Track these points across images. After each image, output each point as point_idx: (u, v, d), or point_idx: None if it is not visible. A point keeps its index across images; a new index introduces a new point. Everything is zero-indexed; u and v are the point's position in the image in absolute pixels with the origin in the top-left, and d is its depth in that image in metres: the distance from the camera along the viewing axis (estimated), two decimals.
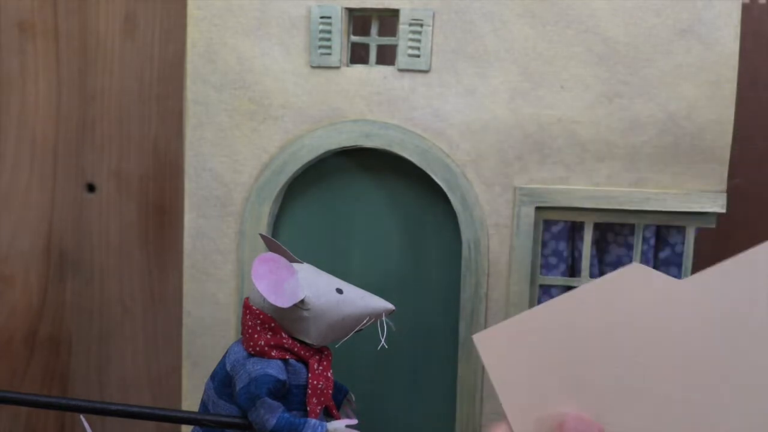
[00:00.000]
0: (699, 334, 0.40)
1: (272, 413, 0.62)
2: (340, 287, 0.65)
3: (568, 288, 0.73)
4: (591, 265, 0.73)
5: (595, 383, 0.41)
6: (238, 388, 0.63)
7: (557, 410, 0.41)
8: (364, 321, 0.65)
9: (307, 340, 0.64)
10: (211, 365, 0.70)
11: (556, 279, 0.74)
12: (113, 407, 0.64)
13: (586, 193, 0.70)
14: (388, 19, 0.73)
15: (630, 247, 0.74)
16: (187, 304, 0.76)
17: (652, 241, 0.73)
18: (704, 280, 0.41)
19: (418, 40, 0.71)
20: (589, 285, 0.42)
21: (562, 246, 0.74)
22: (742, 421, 0.40)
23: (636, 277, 0.41)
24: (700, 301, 0.40)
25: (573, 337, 0.41)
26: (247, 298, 0.66)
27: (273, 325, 0.64)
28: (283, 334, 0.64)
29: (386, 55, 0.74)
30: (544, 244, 0.74)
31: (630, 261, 0.74)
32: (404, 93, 0.72)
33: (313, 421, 0.63)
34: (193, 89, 0.74)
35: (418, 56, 0.71)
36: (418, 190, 0.75)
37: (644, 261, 0.73)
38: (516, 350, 0.42)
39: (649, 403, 0.40)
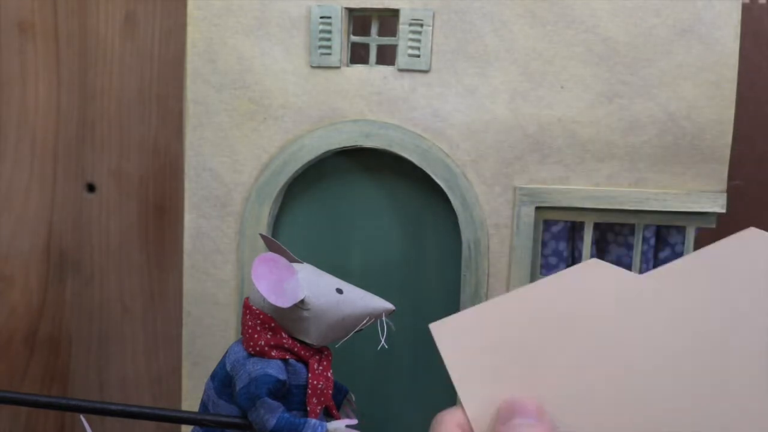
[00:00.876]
0: (659, 330, 0.40)
1: (272, 413, 0.62)
2: (340, 287, 0.65)
3: None
4: None
5: (551, 377, 0.41)
6: (238, 388, 0.63)
7: (502, 392, 0.42)
8: (364, 321, 0.65)
9: (307, 340, 0.64)
10: (211, 365, 0.70)
11: None
12: (113, 407, 0.64)
13: (586, 193, 0.70)
14: (388, 19, 0.73)
15: (630, 247, 0.74)
16: (187, 304, 0.76)
17: (652, 241, 0.73)
18: (665, 276, 0.41)
19: (418, 40, 0.71)
20: (549, 278, 0.42)
21: (562, 246, 0.74)
22: (700, 418, 0.40)
23: (596, 272, 0.41)
24: (661, 296, 0.40)
25: (531, 330, 0.41)
26: (247, 298, 0.66)
27: (273, 325, 0.64)
28: (283, 334, 0.64)
29: (386, 55, 0.74)
30: (544, 244, 0.74)
31: (630, 261, 0.74)
32: (404, 93, 0.72)
33: (313, 421, 0.63)
34: (193, 89, 0.74)
35: (418, 56, 0.71)
36: (418, 190, 0.75)
37: (644, 261, 0.73)
38: (473, 340, 0.42)
39: (605, 400, 0.40)
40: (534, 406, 0.40)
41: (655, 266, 0.74)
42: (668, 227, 0.73)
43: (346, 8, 0.72)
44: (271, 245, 0.67)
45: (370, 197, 0.76)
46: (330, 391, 0.65)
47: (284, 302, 0.62)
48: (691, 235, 0.71)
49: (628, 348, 0.40)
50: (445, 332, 0.43)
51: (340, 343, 0.66)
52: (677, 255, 0.73)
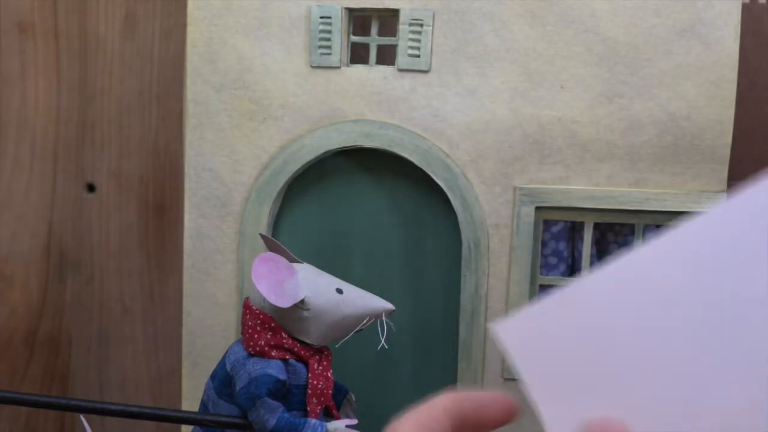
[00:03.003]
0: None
1: (272, 413, 0.62)
2: (340, 287, 0.65)
3: None
4: (591, 265, 0.73)
5: (634, 384, 0.37)
6: (238, 388, 0.63)
7: (590, 409, 0.39)
8: (364, 321, 0.65)
9: (307, 340, 0.64)
10: (211, 365, 0.70)
11: (556, 279, 0.73)
12: (113, 407, 0.64)
13: (586, 193, 0.70)
14: (388, 19, 0.73)
15: (630, 247, 0.74)
16: (187, 304, 0.76)
17: None
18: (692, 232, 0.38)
19: (418, 40, 0.71)
20: (614, 266, 0.39)
21: (562, 246, 0.74)
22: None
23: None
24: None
25: (602, 327, 0.37)
26: (247, 298, 0.66)
27: (273, 325, 0.64)
28: (283, 334, 0.64)
29: (386, 55, 0.74)
30: (544, 244, 0.74)
31: None
32: (404, 93, 0.72)
33: (313, 421, 0.63)
34: (193, 89, 0.74)
35: (418, 56, 0.71)
36: (418, 190, 0.75)
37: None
38: (549, 341, 0.38)
39: (677, 397, 0.38)
40: (620, 429, 0.37)
41: None
42: (668, 227, 0.73)
43: (346, 8, 0.72)
44: (271, 245, 0.67)
45: (370, 197, 0.76)
46: (330, 391, 0.65)
47: (284, 302, 0.62)
48: None
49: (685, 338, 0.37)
50: (514, 333, 0.38)
51: (340, 343, 0.66)
52: None
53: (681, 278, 0.38)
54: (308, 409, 0.64)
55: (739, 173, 0.85)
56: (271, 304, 0.63)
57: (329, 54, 0.72)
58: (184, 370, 0.76)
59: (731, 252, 0.37)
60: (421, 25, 0.71)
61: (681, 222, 0.39)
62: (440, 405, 0.38)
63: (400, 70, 0.72)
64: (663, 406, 0.37)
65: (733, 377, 0.36)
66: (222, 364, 0.66)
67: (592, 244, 0.73)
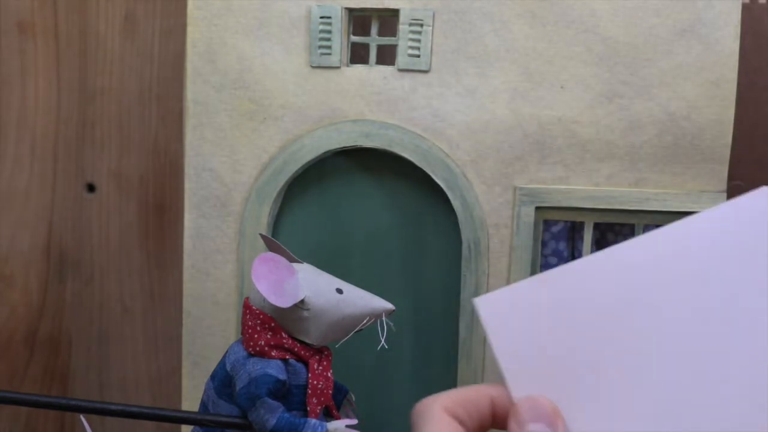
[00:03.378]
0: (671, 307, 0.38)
1: (272, 413, 0.62)
2: (340, 287, 0.65)
3: None
4: None
5: (591, 365, 0.38)
6: (238, 388, 0.63)
7: (547, 388, 0.39)
8: (364, 321, 0.65)
9: (307, 340, 0.64)
10: (211, 365, 0.70)
11: None
12: (113, 407, 0.64)
13: (586, 193, 0.70)
14: (388, 19, 0.73)
15: None
16: (187, 304, 0.76)
17: None
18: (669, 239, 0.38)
19: (418, 40, 0.71)
20: (602, 254, 0.39)
21: (562, 246, 0.74)
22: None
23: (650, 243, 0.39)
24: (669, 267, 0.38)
25: (577, 311, 0.38)
26: (247, 298, 0.66)
27: (273, 325, 0.64)
28: (283, 334, 0.64)
29: (386, 55, 0.74)
30: (544, 244, 0.74)
31: None
32: (404, 93, 0.72)
33: (313, 421, 0.63)
34: (193, 89, 0.74)
35: (418, 56, 0.71)
36: (418, 190, 0.75)
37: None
38: (523, 319, 0.39)
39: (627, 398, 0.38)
40: (548, 410, 0.37)
41: None
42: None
43: (346, 8, 0.72)
44: (271, 245, 0.67)
45: (370, 197, 0.76)
46: (330, 391, 0.65)
47: (284, 302, 0.62)
48: None
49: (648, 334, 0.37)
50: (492, 308, 0.39)
51: (340, 343, 0.66)
52: None
53: (658, 277, 0.38)
54: (308, 409, 0.64)
55: (739, 173, 0.86)
56: (271, 304, 0.63)
57: (329, 54, 0.72)
58: (184, 370, 0.76)
59: (713, 258, 0.38)
60: (421, 25, 0.71)
61: (674, 222, 0.39)
62: (487, 393, 0.38)
63: (400, 70, 0.72)
64: (609, 399, 0.37)
65: (693, 385, 0.37)
66: (222, 364, 0.66)
67: (592, 244, 0.73)
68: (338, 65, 0.72)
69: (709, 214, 0.38)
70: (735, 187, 0.77)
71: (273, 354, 0.63)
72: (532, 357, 0.39)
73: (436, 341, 0.76)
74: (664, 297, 0.38)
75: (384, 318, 0.65)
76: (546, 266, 0.75)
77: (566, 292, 0.39)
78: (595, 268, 0.39)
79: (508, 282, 0.72)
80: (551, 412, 0.37)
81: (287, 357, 0.64)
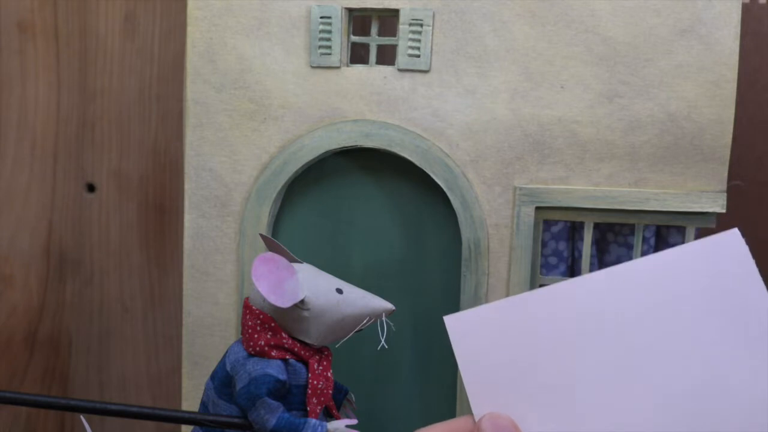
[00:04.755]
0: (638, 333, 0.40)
1: (272, 413, 0.62)
2: (340, 287, 0.65)
3: None
4: (591, 265, 0.73)
5: (546, 385, 0.40)
6: (238, 388, 0.63)
7: (509, 407, 0.41)
8: (364, 321, 0.65)
9: (307, 340, 0.64)
10: (211, 365, 0.70)
11: (556, 279, 0.74)
12: (113, 407, 0.64)
13: (586, 193, 0.70)
14: (388, 19, 0.73)
15: (630, 247, 0.74)
16: (187, 304, 0.76)
17: (652, 241, 0.73)
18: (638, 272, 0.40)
19: (418, 40, 0.71)
20: (567, 283, 0.41)
21: (562, 246, 0.74)
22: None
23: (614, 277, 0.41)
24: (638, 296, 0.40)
25: (537, 335, 0.41)
26: (247, 298, 0.66)
27: (273, 325, 0.64)
28: (283, 334, 0.64)
29: (386, 55, 0.74)
30: (544, 244, 0.74)
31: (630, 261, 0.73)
32: (404, 93, 0.72)
33: (313, 421, 0.63)
34: (193, 89, 0.74)
35: (418, 56, 0.71)
36: (418, 190, 0.75)
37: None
38: (489, 339, 0.41)
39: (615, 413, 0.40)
40: (509, 427, 0.39)
41: None
42: (668, 227, 0.73)
43: (346, 8, 0.72)
44: (271, 245, 0.67)
45: (370, 197, 0.76)
46: (330, 391, 0.65)
47: (284, 302, 0.62)
48: (691, 235, 0.71)
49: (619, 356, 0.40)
50: (461, 327, 0.41)
51: (340, 343, 0.66)
52: None
53: (620, 307, 0.40)
54: (308, 409, 0.64)
55: (739, 173, 0.86)
56: (271, 304, 0.63)
57: (329, 54, 0.72)
58: (184, 370, 0.76)
59: (675, 292, 0.40)
60: (421, 25, 0.71)
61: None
62: (471, 422, 0.41)
63: (400, 70, 0.72)
64: (565, 419, 0.40)
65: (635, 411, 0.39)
66: (222, 364, 0.66)
67: (592, 244, 0.73)
68: (338, 65, 0.72)
69: (678, 250, 0.40)
70: (735, 187, 0.77)
71: (273, 354, 0.63)
72: (495, 375, 0.41)
73: (436, 341, 0.76)
74: (622, 327, 0.40)
75: (384, 318, 0.65)
76: (546, 266, 0.75)
77: (532, 315, 0.41)
78: (561, 295, 0.41)
79: (508, 282, 0.72)
80: (511, 428, 0.39)
81: (287, 357, 0.64)
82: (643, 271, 0.41)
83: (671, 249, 0.41)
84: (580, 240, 0.74)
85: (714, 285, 0.39)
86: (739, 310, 0.39)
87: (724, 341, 0.39)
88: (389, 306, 0.65)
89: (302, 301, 0.63)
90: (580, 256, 0.73)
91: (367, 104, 0.72)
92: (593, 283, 0.41)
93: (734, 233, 0.40)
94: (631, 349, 0.40)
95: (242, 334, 0.65)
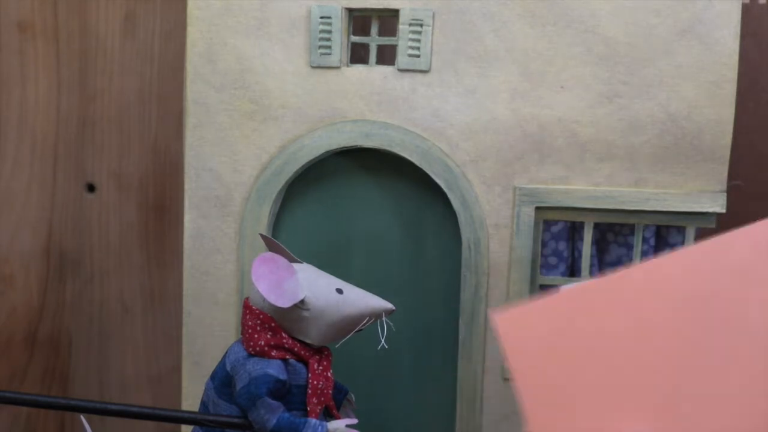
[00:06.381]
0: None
1: (272, 413, 0.62)
2: (340, 287, 0.65)
3: None
4: (591, 265, 0.73)
5: (639, 387, 0.36)
6: (238, 387, 0.63)
7: (595, 423, 0.36)
8: (364, 321, 0.65)
9: (307, 340, 0.64)
10: (211, 365, 0.70)
11: (556, 279, 0.73)
12: (113, 407, 0.64)
13: (586, 193, 0.70)
14: (388, 19, 0.73)
15: (630, 247, 0.74)
16: (187, 304, 0.76)
17: (652, 241, 0.73)
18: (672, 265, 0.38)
19: (418, 40, 0.71)
20: (629, 271, 0.38)
21: (562, 246, 0.74)
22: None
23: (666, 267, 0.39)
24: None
25: (611, 331, 0.37)
26: (247, 298, 0.66)
27: (273, 325, 0.64)
28: (283, 334, 0.64)
29: (386, 55, 0.74)
30: (544, 244, 0.74)
31: (630, 261, 0.74)
32: (404, 93, 0.72)
33: (313, 420, 0.63)
34: (193, 89, 0.74)
35: (418, 56, 0.71)
36: (418, 190, 0.75)
37: (644, 261, 0.73)
38: (542, 337, 0.37)
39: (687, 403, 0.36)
40: None
41: None
42: (668, 227, 0.73)
43: (346, 8, 0.72)
44: (271, 245, 0.67)
45: (370, 197, 0.76)
46: (330, 391, 0.65)
47: (284, 302, 0.62)
48: (691, 235, 0.71)
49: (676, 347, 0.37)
50: (511, 324, 0.37)
51: (340, 343, 0.66)
52: None
53: (680, 299, 0.38)
54: (308, 408, 0.64)
55: (739, 173, 0.86)
56: (271, 304, 0.63)
57: (329, 54, 0.72)
58: (184, 370, 0.76)
59: (719, 281, 0.38)
60: (421, 25, 0.71)
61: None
62: None
63: (400, 70, 0.72)
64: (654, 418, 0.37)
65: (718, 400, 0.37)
66: (222, 364, 0.66)
67: (592, 244, 0.73)
68: (338, 65, 0.72)
69: (714, 241, 0.38)
70: (735, 187, 0.77)
71: (273, 354, 0.63)
72: (551, 377, 0.37)
73: (436, 341, 0.76)
74: (675, 316, 0.38)
75: (384, 318, 0.65)
76: (546, 266, 0.75)
77: (585, 310, 0.37)
78: (623, 284, 0.38)
79: (508, 282, 0.72)
80: None
81: (287, 357, 0.64)
82: (703, 256, 0.39)
83: (707, 241, 0.38)
84: (580, 240, 0.74)
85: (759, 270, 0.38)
86: None
87: None
88: (389, 306, 0.65)
89: (302, 301, 0.63)
90: (580, 256, 0.73)
91: (367, 104, 0.72)
92: (653, 272, 0.38)
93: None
94: (708, 333, 0.37)
95: (242, 334, 0.65)
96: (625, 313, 0.38)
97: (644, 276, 0.39)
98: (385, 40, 0.73)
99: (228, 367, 0.65)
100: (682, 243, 0.72)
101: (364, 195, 0.76)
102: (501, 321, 0.38)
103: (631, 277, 0.38)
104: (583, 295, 0.38)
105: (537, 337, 0.37)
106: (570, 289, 0.38)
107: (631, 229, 0.74)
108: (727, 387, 0.36)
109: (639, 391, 0.37)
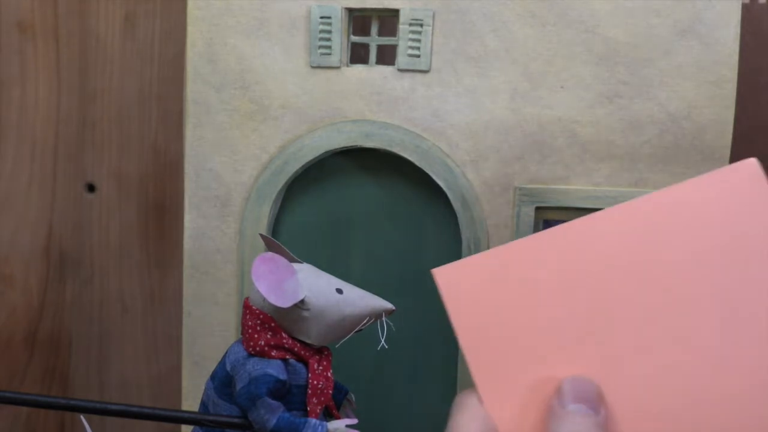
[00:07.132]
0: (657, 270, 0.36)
1: (272, 413, 0.62)
2: (340, 287, 0.65)
3: None
4: None
5: (581, 335, 0.36)
6: (238, 387, 0.63)
7: (538, 373, 0.36)
8: (365, 321, 0.65)
9: (307, 340, 0.64)
10: (211, 365, 0.70)
11: None
12: (113, 407, 0.64)
13: (586, 193, 0.70)
14: (388, 19, 0.73)
15: None
16: (187, 304, 0.76)
17: None
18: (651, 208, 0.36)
19: (418, 40, 0.71)
20: (569, 224, 0.37)
21: None
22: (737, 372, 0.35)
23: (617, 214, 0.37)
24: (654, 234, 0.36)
25: (552, 280, 0.36)
26: (247, 298, 0.66)
27: (273, 325, 0.64)
28: (283, 334, 0.64)
29: (386, 55, 0.74)
30: None
31: None
32: (404, 93, 0.72)
33: (313, 420, 0.63)
34: (193, 89, 0.74)
35: (418, 56, 0.71)
36: (418, 190, 0.75)
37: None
38: (485, 294, 0.36)
39: (648, 356, 0.36)
40: (593, 393, 0.35)
41: None
42: None
43: (346, 8, 0.72)
44: (271, 245, 0.67)
45: (370, 197, 0.76)
46: (330, 391, 0.65)
47: (284, 302, 0.62)
48: None
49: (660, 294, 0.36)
50: (452, 280, 0.36)
51: (340, 343, 0.66)
52: None
53: (631, 245, 0.37)
54: (308, 409, 0.64)
55: None
56: (271, 304, 0.63)
57: (329, 54, 0.72)
58: (184, 370, 0.76)
59: (692, 229, 0.37)
60: (421, 25, 0.71)
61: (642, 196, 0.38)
62: None
63: (400, 70, 0.72)
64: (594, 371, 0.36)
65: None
66: (222, 364, 0.66)
67: None
68: (338, 65, 0.72)
69: (691, 183, 0.37)
70: None
71: (273, 354, 0.63)
72: (500, 333, 0.37)
73: (436, 341, 0.76)
74: (639, 265, 0.37)
75: (384, 318, 0.65)
76: None
77: (537, 261, 0.37)
78: (566, 236, 0.37)
79: None
80: (596, 396, 0.36)
81: (287, 357, 0.64)
82: (654, 206, 0.38)
83: (682, 183, 0.37)
84: None
85: (733, 217, 0.37)
86: (760, 241, 0.35)
87: (746, 273, 0.35)
88: (389, 306, 0.65)
89: (302, 301, 0.63)
90: None
91: (367, 104, 0.72)
92: (602, 221, 0.37)
93: (751, 163, 0.36)
94: (651, 287, 0.36)
95: (242, 334, 0.65)
96: (563, 263, 0.37)
97: (589, 226, 0.38)
98: (385, 40, 0.73)
99: (228, 367, 0.65)
100: None
101: (364, 195, 0.76)
102: (441, 276, 0.37)
103: (572, 228, 0.38)
104: (524, 246, 0.38)
105: (477, 290, 0.37)
106: (514, 242, 0.38)
107: None
108: (664, 335, 0.36)
109: (576, 338, 0.37)
